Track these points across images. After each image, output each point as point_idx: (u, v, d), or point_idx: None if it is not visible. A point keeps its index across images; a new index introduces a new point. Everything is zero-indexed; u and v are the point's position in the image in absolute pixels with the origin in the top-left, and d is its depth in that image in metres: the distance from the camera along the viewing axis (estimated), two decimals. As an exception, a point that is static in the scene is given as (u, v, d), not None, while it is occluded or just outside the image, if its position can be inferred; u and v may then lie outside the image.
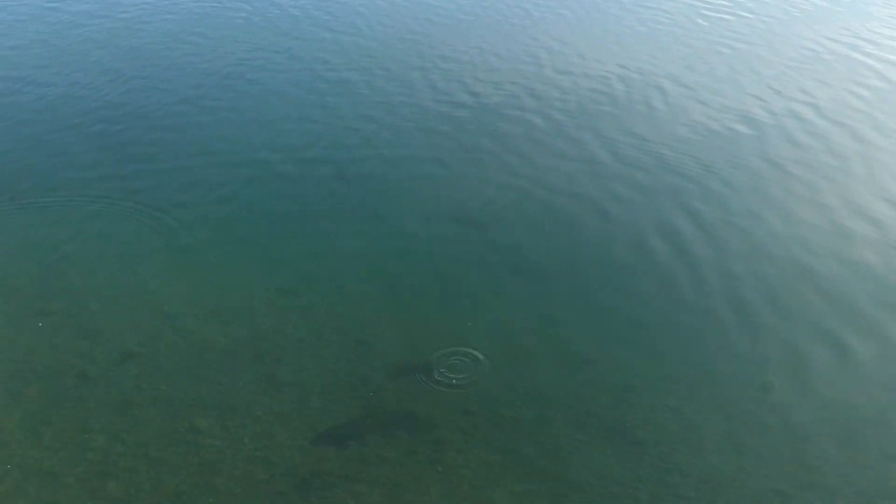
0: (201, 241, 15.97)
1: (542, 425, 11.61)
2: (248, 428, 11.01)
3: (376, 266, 15.46)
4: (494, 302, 14.57)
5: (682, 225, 16.84)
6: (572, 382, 12.56)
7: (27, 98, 21.63)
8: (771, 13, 29.79)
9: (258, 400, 11.59)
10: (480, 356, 12.89)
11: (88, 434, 10.60)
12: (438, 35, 27.25)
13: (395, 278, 15.15)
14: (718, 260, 15.78)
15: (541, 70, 24.66)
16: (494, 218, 17.09)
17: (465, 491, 10.39)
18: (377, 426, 11.39)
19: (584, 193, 18.08)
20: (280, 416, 11.37)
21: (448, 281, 15.16)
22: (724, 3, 30.65)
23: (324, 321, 13.75)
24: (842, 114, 22.00)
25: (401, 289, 14.84)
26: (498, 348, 13.28)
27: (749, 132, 20.93)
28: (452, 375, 12.40)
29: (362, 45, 26.14)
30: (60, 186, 17.25)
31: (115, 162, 18.46)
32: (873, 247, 16.07)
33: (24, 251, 15.01)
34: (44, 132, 19.65)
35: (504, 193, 18.03)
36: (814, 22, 29.06)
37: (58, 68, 23.57)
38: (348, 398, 11.87)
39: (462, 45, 26.36)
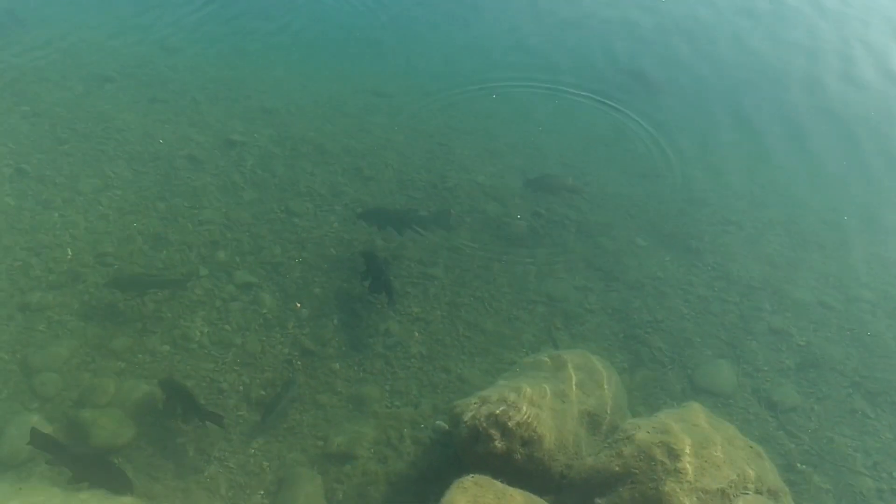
0: (297, 41, 16.77)
1: (604, 229, 12.43)
2: (336, 213, 12.18)
3: (467, 78, 16.01)
4: (574, 115, 15.12)
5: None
6: (640, 192, 13.19)
7: None
8: None
9: (345, 189, 12.69)
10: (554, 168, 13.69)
11: (198, 209, 11.96)
12: None
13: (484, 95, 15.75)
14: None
15: None
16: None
17: (528, 281, 11.45)
18: (450, 220, 12.34)
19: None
20: (364, 204, 12.47)
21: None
22: None
23: (405, 122, 14.58)
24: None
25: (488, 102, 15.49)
26: (571, 156, 13.97)
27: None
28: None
29: None
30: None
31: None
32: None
33: (136, 44, 16.06)
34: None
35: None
36: None
37: None
38: (426, 194, 12.86)
39: None
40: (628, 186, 13.36)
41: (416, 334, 10.47)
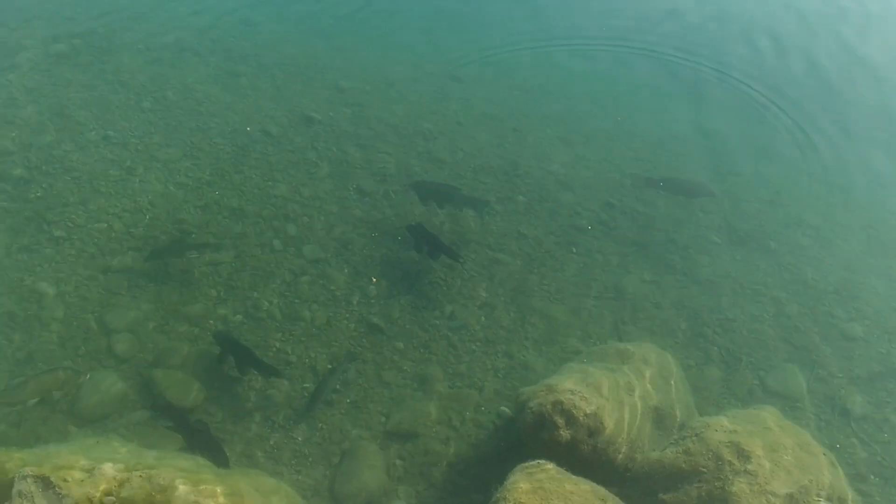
0: (374, 21, 16.88)
1: (678, 225, 12.22)
2: (407, 194, 12.16)
3: (541, 64, 15.96)
4: (653, 111, 14.95)
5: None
6: (715, 189, 12.90)
7: None
8: None
9: (417, 171, 12.72)
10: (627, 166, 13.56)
11: (271, 182, 12.14)
12: None
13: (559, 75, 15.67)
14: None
15: None
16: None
17: (596, 273, 11.35)
18: (521, 208, 12.32)
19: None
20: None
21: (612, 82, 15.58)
22: None
23: (481, 108, 14.56)
24: None
25: (564, 87, 15.42)
26: (646, 148, 13.81)
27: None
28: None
29: None
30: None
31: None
32: None
33: (218, 16, 16.35)
34: None
35: None
36: None
37: None
38: (497, 180, 12.82)
39: None
40: (706, 179, 13.10)
41: (482, 318, 10.47)
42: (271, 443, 8.71)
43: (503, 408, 9.28)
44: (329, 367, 9.52)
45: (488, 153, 13.36)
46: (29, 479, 6.17)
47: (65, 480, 6.28)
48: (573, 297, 10.93)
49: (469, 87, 15.18)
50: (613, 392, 8.07)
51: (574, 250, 11.63)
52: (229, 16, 16.23)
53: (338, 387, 9.33)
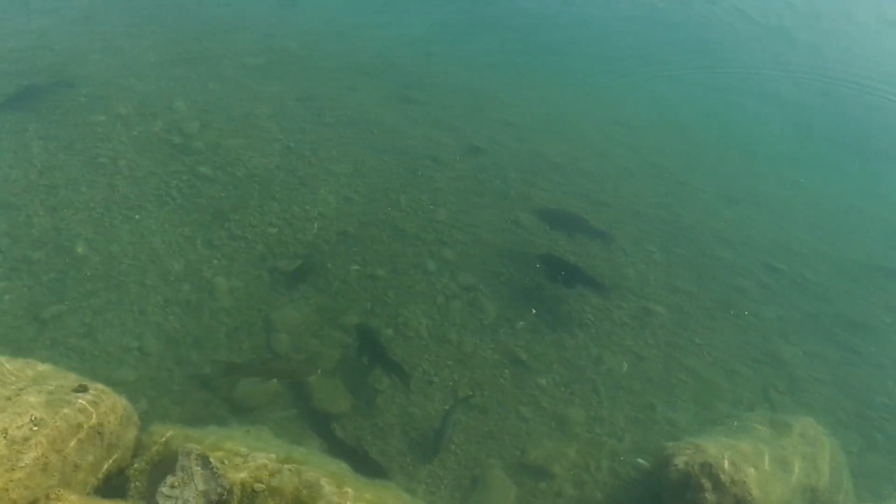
0: (545, 59, 17.18)
1: (848, 297, 11.54)
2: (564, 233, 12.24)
3: (719, 115, 15.70)
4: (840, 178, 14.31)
5: None
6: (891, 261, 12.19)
7: None
8: None
9: (576, 211, 12.65)
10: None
11: (433, 206, 12.47)
12: None
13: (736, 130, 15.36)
14: None
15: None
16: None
17: (753, 338, 10.86)
18: (679, 260, 12.02)
19: None
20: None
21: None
22: None
23: (647, 156, 14.40)
24: None
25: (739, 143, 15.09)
26: (817, 214, 13.19)
27: None
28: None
29: None
30: None
31: None
32: None
33: (401, 46, 17.13)
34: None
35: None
36: None
37: None
38: (657, 229, 12.59)
39: None
40: (884, 258, 12.32)
41: (628, 366, 10.24)
42: (408, 459, 8.85)
43: (640, 460, 9.00)
44: (447, 407, 9.48)
45: (651, 202, 13.17)
46: (192, 456, 6.57)
47: (222, 462, 6.65)
48: (726, 358, 10.51)
49: (636, 133, 15.09)
50: (765, 463, 7.68)
51: (732, 312, 11.20)
52: (411, 46, 16.98)
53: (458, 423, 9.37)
